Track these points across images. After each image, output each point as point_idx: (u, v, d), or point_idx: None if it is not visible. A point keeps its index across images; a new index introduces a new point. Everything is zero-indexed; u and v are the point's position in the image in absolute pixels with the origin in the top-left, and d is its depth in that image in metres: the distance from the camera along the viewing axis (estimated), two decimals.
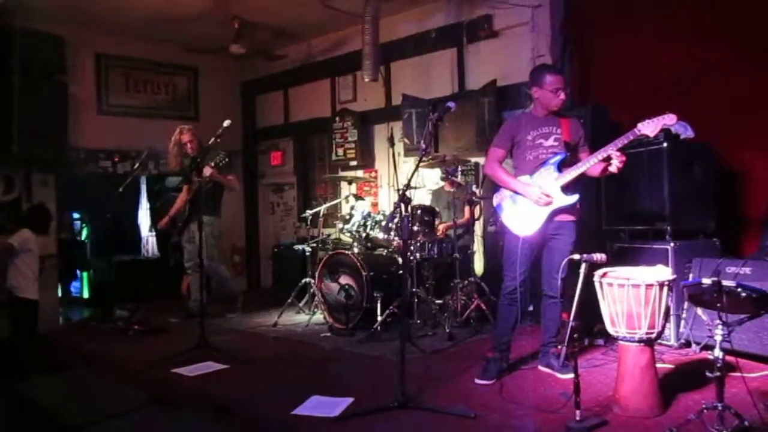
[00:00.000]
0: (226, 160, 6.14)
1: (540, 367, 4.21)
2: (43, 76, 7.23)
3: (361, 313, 5.52)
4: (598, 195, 5.23)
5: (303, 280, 6.46)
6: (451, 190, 6.29)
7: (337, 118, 8.37)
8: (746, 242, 5.25)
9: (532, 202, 3.98)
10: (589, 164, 3.91)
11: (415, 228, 5.56)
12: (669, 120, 3.66)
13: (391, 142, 6.66)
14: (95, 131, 8.25)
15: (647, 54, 5.65)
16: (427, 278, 5.98)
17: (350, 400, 3.66)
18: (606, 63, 6.06)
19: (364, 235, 5.94)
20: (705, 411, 2.90)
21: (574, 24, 6.32)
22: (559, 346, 4.08)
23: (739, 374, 3.47)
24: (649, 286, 3.26)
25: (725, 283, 2.88)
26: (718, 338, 2.92)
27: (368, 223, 5.95)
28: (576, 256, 3.43)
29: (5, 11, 6.91)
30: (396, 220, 5.60)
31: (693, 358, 4.40)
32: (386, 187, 7.95)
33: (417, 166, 4.02)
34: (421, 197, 6.67)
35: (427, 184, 7.04)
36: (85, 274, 9.23)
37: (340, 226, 6.14)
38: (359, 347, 5.13)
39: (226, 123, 5.23)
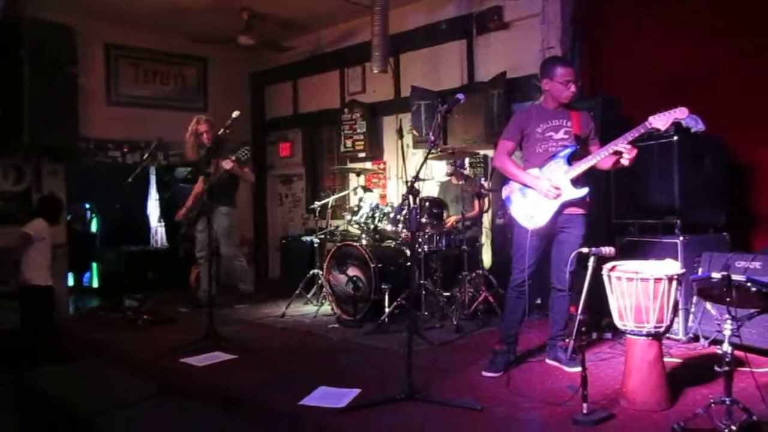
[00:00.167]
0: (248, 154, 6.19)
1: (547, 360, 4.21)
2: (52, 66, 7.26)
3: (369, 304, 5.53)
4: (607, 188, 5.21)
5: (311, 272, 6.48)
6: (459, 183, 6.27)
7: (346, 110, 8.36)
8: (756, 236, 5.23)
9: (541, 195, 3.97)
10: (600, 157, 3.89)
11: (424, 220, 5.57)
12: (680, 113, 3.63)
13: (400, 133, 6.66)
14: (105, 121, 8.29)
15: (658, 47, 5.61)
16: (434, 270, 5.98)
17: (357, 391, 3.67)
18: (616, 56, 6.02)
19: (372, 226, 5.95)
20: (713, 405, 2.89)
21: (584, 16, 6.28)
22: (567, 340, 4.07)
23: (747, 369, 3.47)
24: (657, 280, 3.25)
25: (735, 277, 2.86)
26: (727, 333, 2.91)
27: (376, 214, 5.95)
28: (585, 250, 3.42)
29: (15, 1, 6.93)
30: (404, 212, 5.60)
31: (701, 352, 4.39)
32: (395, 179, 7.95)
33: (426, 158, 4.00)
34: (430, 189, 6.66)
35: (435, 176, 7.02)
36: (94, 264, 9.29)
37: (349, 217, 6.14)
38: (367, 339, 5.14)
39: (235, 114, 5.23)
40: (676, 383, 3.49)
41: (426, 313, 5.71)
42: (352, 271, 5.74)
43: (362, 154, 8.19)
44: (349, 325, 5.59)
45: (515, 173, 4.10)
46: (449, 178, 6.48)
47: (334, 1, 7.32)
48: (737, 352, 2.96)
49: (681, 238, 4.63)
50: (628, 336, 3.39)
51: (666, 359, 3.50)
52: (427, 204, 5.67)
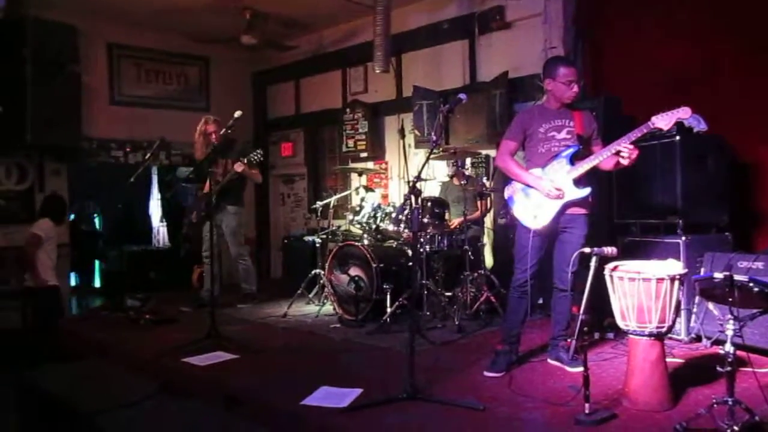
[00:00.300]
0: (261, 158, 6.30)
1: (549, 360, 4.20)
2: (55, 65, 7.28)
3: (371, 304, 5.53)
4: (609, 188, 5.20)
5: (313, 272, 6.47)
6: (461, 183, 6.25)
7: (348, 110, 8.36)
8: (759, 236, 5.22)
9: (543, 195, 3.97)
10: (602, 157, 3.89)
11: (425, 220, 5.57)
12: (683, 113, 3.63)
13: (402, 133, 6.66)
14: (107, 121, 8.30)
15: (660, 46, 5.61)
16: (436, 270, 5.98)
17: (359, 391, 3.66)
18: (619, 55, 6.02)
19: (374, 226, 5.95)
20: (715, 406, 2.89)
21: (586, 15, 6.27)
22: (569, 340, 4.06)
23: (750, 369, 3.46)
24: (660, 280, 3.24)
25: (737, 277, 2.86)
26: (729, 333, 2.90)
27: (378, 214, 5.95)
28: (587, 250, 3.41)
29: (18, 1, 6.94)
30: (406, 212, 5.60)
31: (703, 352, 4.38)
32: (396, 179, 7.95)
33: (428, 158, 4.00)
34: (432, 189, 6.67)
35: (437, 176, 7.03)
36: (96, 264, 9.31)
37: (350, 217, 6.14)
38: (368, 339, 5.14)
39: (237, 114, 5.25)
40: (678, 383, 3.48)
41: (428, 313, 5.70)
42: (354, 271, 5.74)
43: (364, 154, 8.19)
44: (351, 325, 5.59)
45: (517, 173, 4.10)
46: (451, 178, 6.48)
47: (336, 0, 7.32)
48: (739, 353, 2.96)
49: (683, 238, 4.62)
50: (631, 336, 3.38)
51: (668, 359, 3.50)
52: (429, 204, 5.67)
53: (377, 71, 7.03)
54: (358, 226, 6.09)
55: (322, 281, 6.35)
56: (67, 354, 5.56)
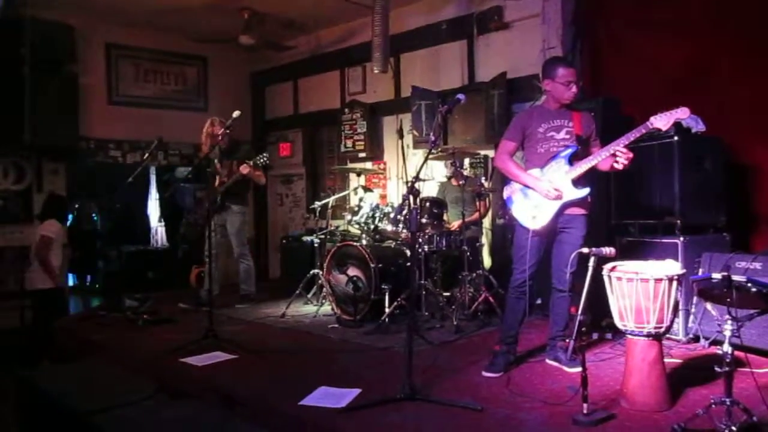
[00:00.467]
0: (267, 161, 6.40)
1: (548, 361, 4.21)
2: (53, 65, 7.28)
3: (369, 304, 5.53)
4: (607, 188, 5.20)
5: (311, 272, 6.47)
6: (459, 184, 6.25)
7: (347, 110, 8.37)
8: (756, 237, 5.22)
9: (542, 195, 3.97)
10: (600, 158, 3.89)
11: (424, 220, 5.57)
12: (682, 114, 3.64)
13: (400, 134, 6.65)
14: (105, 121, 8.30)
15: (658, 47, 5.61)
16: (435, 270, 5.98)
17: (357, 391, 3.66)
18: (617, 56, 6.02)
19: (372, 226, 5.94)
20: (713, 406, 2.89)
21: (585, 16, 6.28)
22: (567, 340, 4.06)
23: (748, 370, 3.46)
24: (658, 280, 3.25)
25: (735, 278, 2.86)
26: (727, 333, 2.90)
27: (377, 214, 5.95)
28: (585, 250, 3.42)
29: (15, 1, 6.94)
30: (404, 212, 5.60)
31: (701, 353, 4.38)
32: (395, 179, 7.95)
33: (426, 159, 4.00)
34: (430, 189, 6.66)
35: (436, 176, 7.03)
36: (96, 264, 9.30)
37: (349, 217, 6.14)
38: (367, 339, 5.14)
39: (236, 114, 5.26)
40: (676, 384, 3.48)
41: (426, 314, 5.71)
42: (352, 272, 5.74)
43: (362, 154, 8.19)
44: (349, 326, 5.59)
45: (516, 174, 4.10)
46: (449, 179, 6.47)
47: (334, 1, 7.32)
48: (737, 353, 2.96)
49: (681, 238, 4.63)
50: (629, 336, 3.38)
51: (666, 360, 3.50)
52: (427, 204, 5.67)
53: (376, 71, 7.02)
54: (357, 226, 6.09)
55: (320, 281, 6.34)
56: (65, 354, 5.55)
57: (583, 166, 3.94)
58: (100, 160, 8.37)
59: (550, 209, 3.97)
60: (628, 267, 3.42)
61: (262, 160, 6.33)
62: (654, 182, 4.89)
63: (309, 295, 6.55)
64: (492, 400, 3.50)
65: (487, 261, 6.59)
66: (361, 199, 6.18)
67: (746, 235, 5.20)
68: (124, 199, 8.97)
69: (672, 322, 3.36)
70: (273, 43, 8.53)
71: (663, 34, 5.60)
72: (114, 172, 8.23)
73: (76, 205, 7.59)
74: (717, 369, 2.90)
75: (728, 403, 2.84)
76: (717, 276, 2.90)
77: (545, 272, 4.18)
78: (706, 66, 5.32)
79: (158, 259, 8.93)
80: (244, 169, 6.24)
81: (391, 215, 5.83)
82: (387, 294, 5.43)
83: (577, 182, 3.97)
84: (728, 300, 2.88)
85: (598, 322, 4.73)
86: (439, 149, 6.26)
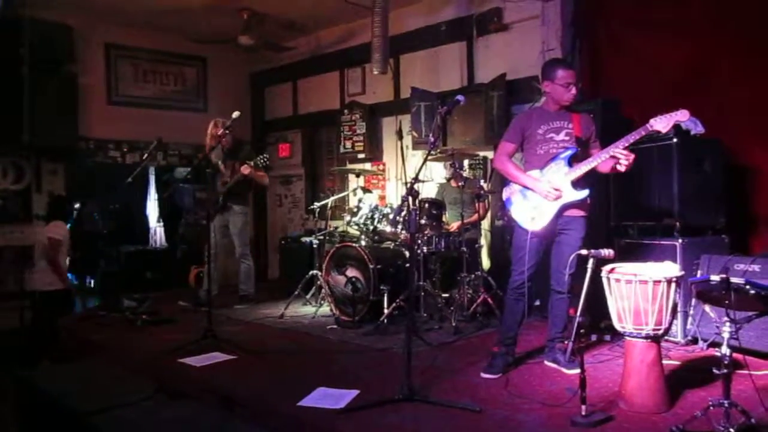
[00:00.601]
0: (267, 162, 6.47)
1: (546, 362, 4.21)
2: (52, 65, 7.27)
3: (368, 305, 5.53)
4: (606, 190, 5.20)
5: (310, 273, 6.47)
6: (458, 185, 6.25)
7: (346, 111, 8.37)
8: (755, 239, 5.22)
9: (541, 197, 3.97)
10: (600, 160, 3.90)
11: (423, 221, 5.57)
12: (682, 116, 3.64)
13: (400, 135, 6.65)
14: (104, 121, 8.30)
15: (658, 49, 5.61)
16: (433, 272, 5.98)
17: (356, 392, 3.66)
18: (617, 57, 6.02)
19: (371, 227, 5.95)
20: (711, 408, 2.90)
21: (584, 18, 6.28)
22: (566, 342, 4.06)
23: (746, 372, 3.46)
24: (656, 282, 3.25)
25: (734, 280, 2.86)
26: (726, 335, 2.91)
27: (376, 216, 5.95)
28: (584, 252, 3.42)
29: (14, 1, 6.93)
30: (403, 213, 5.59)
31: (700, 355, 4.39)
32: (394, 180, 7.95)
33: (425, 160, 4.00)
34: (429, 191, 6.67)
35: (435, 177, 7.03)
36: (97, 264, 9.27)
37: (348, 218, 6.14)
38: (365, 340, 5.14)
39: (235, 114, 5.28)
40: (674, 386, 3.49)
41: (425, 315, 5.71)
42: (351, 272, 5.74)
43: (362, 155, 8.19)
44: (348, 326, 5.59)
45: (515, 175, 4.11)
46: (448, 181, 6.48)
47: (334, 2, 7.33)
48: (736, 355, 2.96)
49: (680, 240, 4.63)
50: (627, 338, 3.39)
51: (664, 362, 3.50)
52: (426, 205, 5.68)
53: (375, 72, 7.02)
54: (356, 227, 6.09)
55: (319, 282, 6.35)
56: (65, 354, 5.55)
57: (582, 168, 3.94)
58: (99, 161, 8.36)
59: (550, 211, 3.98)
60: (627, 269, 3.42)
61: (262, 161, 6.38)
62: (653, 184, 4.89)
63: (308, 296, 6.56)
64: (490, 401, 3.50)
65: (486, 262, 6.59)
66: (360, 200, 6.19)
67: (745, 237, 5.21)
68: (124, 199, 8.95)
69: (670, 324, 3.36)
70: (272, 44, 8.53)
71: (663, 35, 5.60)
72: (113, 172, 8.21)
73: (76, 206, 7.56)
74: (715, 371, 2.90)
75: (726, 404, 2.84)
76: (716, 278, 2.91)
77: (544, 274, 4.19)
78: (706, 67, 5.33)
79: (157, 260, 8.91)
80: (245, 170, 6.30)
81: (390, 216, 5.84)
82: (386, 295, 5.43)
83: (577, 184, 3.97)
84: (727, 302, 2.89)
85: (597, 324, 4.74)
86: (438, 150, 6.26)
